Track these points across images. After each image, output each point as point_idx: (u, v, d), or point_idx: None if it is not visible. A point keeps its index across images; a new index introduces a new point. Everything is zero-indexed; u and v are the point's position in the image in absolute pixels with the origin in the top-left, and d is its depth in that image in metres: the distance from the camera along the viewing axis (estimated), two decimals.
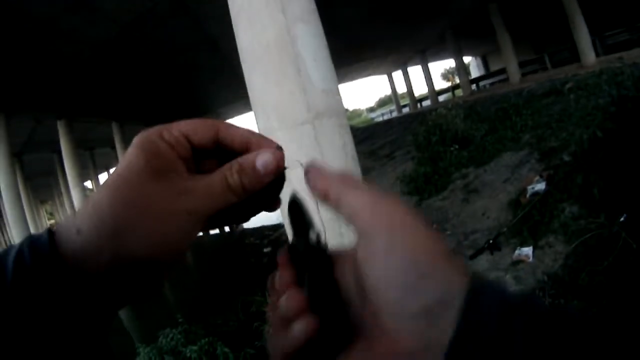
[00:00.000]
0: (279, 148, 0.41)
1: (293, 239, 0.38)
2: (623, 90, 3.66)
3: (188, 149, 0.38)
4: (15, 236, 14.22)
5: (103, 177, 45.67)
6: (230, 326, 4.47)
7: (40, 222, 37.50)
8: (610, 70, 7.96)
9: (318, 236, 0.38)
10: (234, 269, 9.20)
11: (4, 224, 23.87)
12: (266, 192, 0.40)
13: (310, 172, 0.40)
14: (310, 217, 0.39)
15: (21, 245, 0.32)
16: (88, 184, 33.71)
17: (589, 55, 15.79)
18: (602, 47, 17.66)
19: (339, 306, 0.34)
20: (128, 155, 0.35)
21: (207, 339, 3.72)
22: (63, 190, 28.72)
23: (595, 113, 4.97)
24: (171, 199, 0.34)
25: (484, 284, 0.28)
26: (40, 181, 36.10)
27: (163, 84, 19.66)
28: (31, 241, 0.32)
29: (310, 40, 3.55)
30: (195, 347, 3.58)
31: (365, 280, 0.32)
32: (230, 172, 0.37)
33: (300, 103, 3.43)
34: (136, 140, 0.37)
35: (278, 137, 3.51)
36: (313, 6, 3.74)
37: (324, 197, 0.37)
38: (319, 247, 0.37)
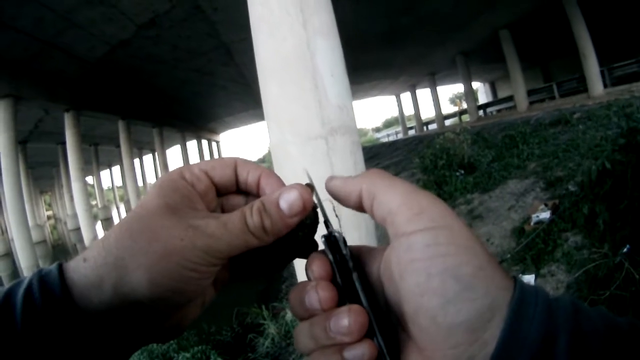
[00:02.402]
0: (309, 186, 0.38)
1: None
2: (632, 122, 3.66)
3: (209, 185, 0.38)
4: (12, 223, 14.15)
5: (105, 174, 45.82)
6: (224, 336, 4.43)
7: (39, 212, 37.36)
8: (620, 101, 7.98)
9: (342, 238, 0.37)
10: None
11: (3, 210, 23.81)
12: (297, 236, 0.36)
13: (335, 178, 0.39)
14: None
15: (31, 281, 0.31)
16: (89, 179, 33.75)
17: (597, 86, 15.86)
18: (610, 78, 17.72)
19: (375, 306, 0.32)
20: (147, 194, 0.35)
21: (200, 347, 3.69)
22: (64, 182, 28.73)
23: (603, 144, 4.98)
24: (179, 234, 0.32)
25: (529, 292, 0.28)
26: (41, 171, 36.20)
27: (173, 87, 19.80)
28: (41, 277, 0.31)
29: (328, 55, 3.57)
30: (187, 355, 3.55)
31: (399, 283, 0.31)
32: (250, 212, 0.34)
33: (315, 117, 3.44)
34: (158, 180, 0.37)
35: (290, 151, 3.55)
36: (333, 22, 3.77)
37: (356, 198, 0.36)
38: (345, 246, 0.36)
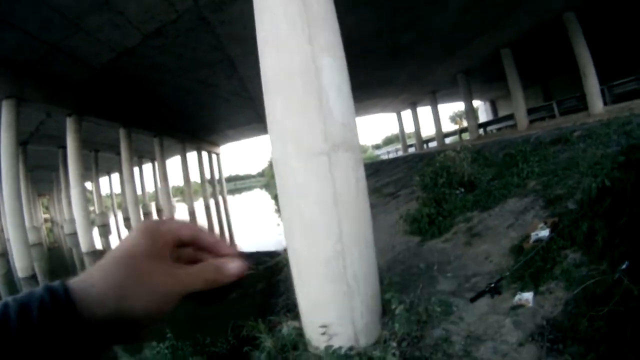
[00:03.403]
0: (241, 256, 0.54)
1: None
2: (632, 140, 3.71)
3: (176, 239, 0.51)
4: (9, 224, 14.16)
5: (104, 181, 45.76)
6: (219, 347, 4.41)
7: (36, 214, 37.25)
8: (619, 119, 8.01)
9: None
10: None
11: (1, 211, 23.79)
12: (228, 285, 0.52)
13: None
14: None
15: (41, 293, 0.41)
16: (88, 185, 33.73)
17: (598, 104, 15.94)
18: (610, 95, 17.81)
19: None
20: (133, 237, 0.47)
21: (195, 358, 3.68)
22: (63, 186, 28.61)
23: (603, 162, 5.00)
24: (162, 278, 0.46)
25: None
26: (41, 174, 36.15)
27: (176, 97, 19.86)
28: (50, 289, 0.41)
29: (334, 73, 3.63)
30: None
31: None
32: (208, 269, 0.50)
33: (319, 133, 3.49)
34: (140, 226, 0.49)
35: (293, 166, 3.59)
36: (339, 40, 3.83)
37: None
38: None
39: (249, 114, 23.23)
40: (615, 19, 17.49)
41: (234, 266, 0.52)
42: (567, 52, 16.71)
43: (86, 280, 0.43)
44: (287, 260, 4.38)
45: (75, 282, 0.43)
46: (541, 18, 16.12)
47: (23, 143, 21.25)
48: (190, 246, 0.53)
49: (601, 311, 2.86)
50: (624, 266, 3.09)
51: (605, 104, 16.57)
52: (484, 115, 41.08)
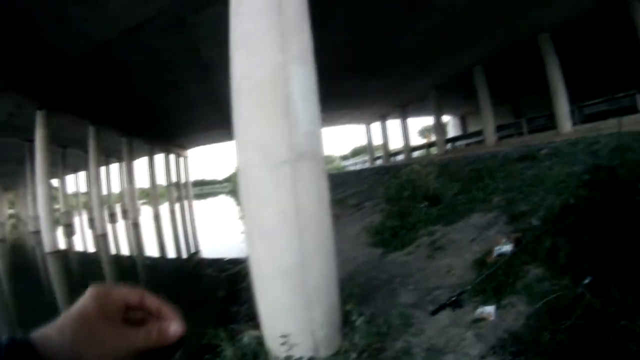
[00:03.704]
0: (182, 320, 0.58)
1: None
2: (597, 160, 3.78)
3: (126, 303, 0.56)
4: None
5: (70, 179, 44.62)
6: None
7: (1, 210, 36.23)
8: (587, 139, 8.19)
9: None
10: (188, 297, 8.98)
11: None
12: (168, 347, 0.56)
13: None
14: None
15: (7, 341, 0.44)
16: (55, 182, 32.88)
17: (566, 124, 16.38)
18: (580, 116, 18.33)
19: None
20: (86, 300, 0.52)
21: None
22: (29, 182, 27.87)
23: (568, 180, 5.10)
24: (112, 337, 0.51)
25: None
26: (7, 168, 35.12)
27: (147, 98, 19.61)
28: (14, 339, 0.45)
29: (303, 82, 3.62)
30: None
31: None
32: (153, 330, 0.55)
33: (284, 142, 3.47)
34: (92, 291, 0.53)
35: (256, 174, 3.56)
36: (311, 49, 3.82)
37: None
38: None
39: (218, 119, 22.98)
40: (588, 42, 18.07)
41: (175, 328, 0.56)
42: (539, 71, 17.17)
43: (46, 334, 0.47)
44: (249, 268, 4.33)
45: (36, 335, 0.47)
46: (516, 38, 16.53)
47: None
48: (137, 309, 0.58)
49: (563, 325, 2.89)
50: (587, 281, 3.14)
51: (574, 123, 17.09)
52: (453, 131, 41.78)
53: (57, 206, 32.54)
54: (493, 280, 4.25)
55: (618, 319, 2.68)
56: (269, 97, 3.51)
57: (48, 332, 0.48)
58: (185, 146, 42.97)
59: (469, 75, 20.19)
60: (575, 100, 17.50)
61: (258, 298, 3.89)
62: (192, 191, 53.85)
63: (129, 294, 0.57)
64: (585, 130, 11.92)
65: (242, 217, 4.05)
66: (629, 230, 3.22)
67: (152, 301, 0.59)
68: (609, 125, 8.75)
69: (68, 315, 0.51)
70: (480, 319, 3.73)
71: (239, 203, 3.93)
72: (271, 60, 3.53)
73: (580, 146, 7.82)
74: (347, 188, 16.32)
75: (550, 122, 18.42)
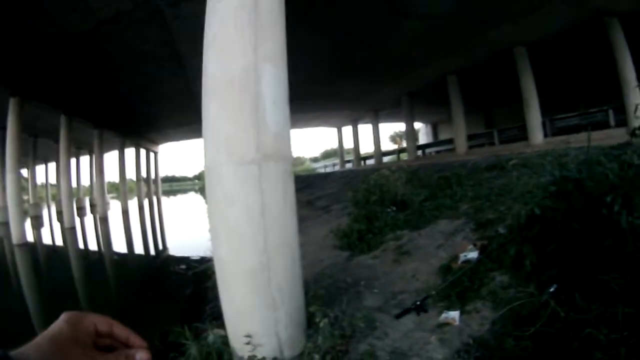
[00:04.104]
0: (148, 349, 0.61)
1: None
2: (565, 172, 3.85)
3: (96, 330, 0.59)
4: None
5: (40, 170, 43.44)
6: None
7: None
8: (556, 151, 8.35)
9: None
10: (154, 294, 8.87)
11: None
12: None
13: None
14: None
15: None
16: (24, 172, 32.06)
17: (538, 136, 16.75)
18: (551, 128, 18.72)
19: None
20: (60, 324, 0.56)
21: None
22: None
23: (535, 191, 5.18)
24: None
25: None
26: None
27: (120, 90, 19.29)
28: None
29: (273, 83, 3.61)
30: None
31: None
32: (120, 357, 0.58)
33: (251, 142, 3.46)
34: (66, 316, 0.57)
35: (222, 173, 3.54)
36: (284, 50, 3.82)
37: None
38: None
39: (190, 115, 22.69)
40: (565, 56, 18.44)
41: (141, 356, 0.60)
42: (513, 83, 17.49)
43: (24, 353, 0.50)
44: None
45: (14, 353, 0.49)
46: (492, 50, 16.75)
47: None
48: (106, 337, 0.61)
49: (528, 331, 2.94)
50: (552, 289, 3.20)
51: (545, 135, 17.44)
52: (424, 138, 42.32)
53: (25, 197, 31.72)
54: (458, 286, 4.30)
55: (583, 327, 2.73)
56: (238, 96, 3.49)
57: (26, 350, 0.51)
58: (156, 141, 42.35)
59: (443, 83, 20.43)
60: (548, 113, 17.87)
61: (222, 297, 3.86)
62: (161, 187, 53.09)
63: (100, 321, 0.60)
64: (556, 143, 12.17)
65: (208, 216, 4.01)
66: (593, 241, 3.29)
67: (121, 330, 0.62)
68: (579, 139, 8.93)
69: (44, 336, 0.54)
70: (444, 324, 3.77)
71: (207, 201, 3.88)
72: (243, 59, 3.52)
73: (549, 158, 7.94)
74: (316, 190, 16.35)
75: (521, 134, 18.78)
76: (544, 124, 17.71)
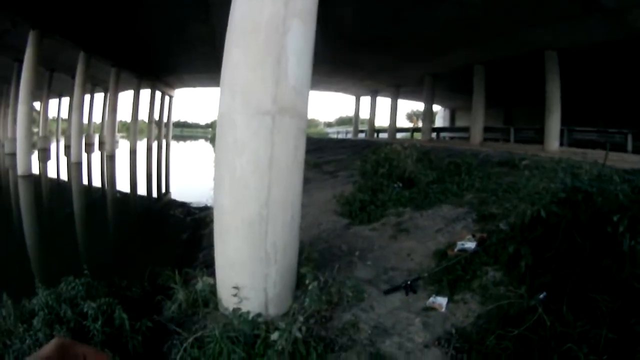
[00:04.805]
0: None
1: None
2: (577, 182, 3.80)
3: (80, 354, 0.59)
4: None
5: (53, 104, 43.49)
6: (133, 292, 4.27)
7: None
8: (571, 161, 8.27)
9: None
10: (151, 235, 8.95)
11: None
12: None
13: None
14: None
15: None
16: (37, 105, 32.12)
17: (554, 142, 16.47)
18: (568, 138, 18.47)
19: None
20: (49, 350, 0.56)
21: (107, 299, 3.55)
22: (11, 102, 27.07)
23: (544, 194, 5.12)
24: None
25: None
26: None
27: (144, 31, 19.15)
28: None
29: (299, 39, 3.54)
30: (93, 304, 3.39)
31: None
32: None
33: (269, 93, 3.42)
34: (57, 342, 0.58)
35: (235, 120, 3.51)
36: (315, 8, 3.73)
37: None
38: None
39: (209, 64, 22.65)
40: (593, 70, 18.06)
41: None
42: (538, 85, 17.12)
43: None
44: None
45: None
46: (523, 48, 16.39)
47: None
48: None
49: (511, 333, 2.93)
50: (541, 296, 3.18)
51: (561, 144, 17.16)
52: (440, 121, 41.87)
53: (35, 130, 31.87)
54: (451, 273, 4.29)
55: (565, 340, 2.73)
56: (262, 46, 3.42)
57: None
58: (173, 85, 42.11)
59: (469, 71, 20.10)
60: (566, 122, 17.60)
61: (216, 246, 3.88)
62: (172, 131, 53.14)
63: (91, 353, 0.61)
64: (570, 153, 12.05)
65: (214, 163, 3.99)
66: (592, 257, 3.27)
67: (97, 354, 0.63)
68: (594, 155, 8.82)
69: (33, 357, 0.55)
70: (430, 309, 3.79)
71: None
72: (272, 7, 3.44)
73: (563, 165, 7.87)
74: (325, 154, 16.34)
75: (538, 137, 18.48)
76: (562, 132, 17.43)
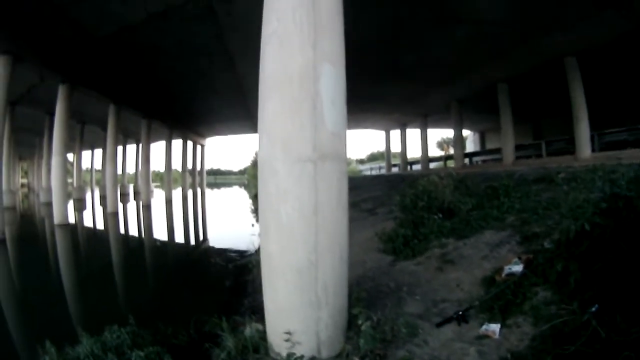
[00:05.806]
0: None
1: None
2: (616, 188, 3.73)
3: None
4: None
5: (86, 155, 45.11)
6: (180, 340, 4.30)
7: (14, 178, 36.70)
8: (605, 166, 8.08)
9: None
10: (194, 283, 9.02)
11: None
12: None
13: None
14: None
15: None
16: (70, 156, 33.28)
17: (586, 150, 16.20)
18: (599, 142, 18.10)
19: None
20: None
21: (155, 348, 3.60)
22: (45, 154, 28.20)
23: (585, 206, 5.01)
24: None
25: None
26: (25, 137, 35.34)
27: (170, 82, 19.81)
28: None
29: (332, 81, 3.62)
30: (141, 353, 3.45)
31: None
32: None
33: (308, 140, 3.48)
34: None
35: (277, 169, 3.57)
36: (342, 48, 3.82)
37: None
38: None
39: (239, 110, 23.24)
40: (613, 68, 17.83)
41: None
42: (563, 94, 16.98)
43: None
44: (257, 261, 4.33)
45: None
46: (542, 59, 16.37)
47: (12, 103, 20.88)
48: None
49: (567, 350, 2.87)
50: (593, 309, 3.11)
51: (593, 150, 16.84)
52: (471, 146, 41.57)
53: (70, 180, 32.93)
54: (500, 299, 4.21)
55: (622, 349, 2.67)
56: (296, 93, 3.51)
57: None
58: (203, 134, 43.28)
59: (493, 91, 20.07)
60: (594, 126, 17.29)
61: (265, 292, 3.89)
62: (206, 179, 54.18)
63: None
64: (603, 158, 11.78)
65: (254, 210, 4.04)
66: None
67: None
68: (628, 155, 8.58)
69: None
70: (484, 336, 3.72)
71: (252, 196, 3.90)
72: (302, 56, 3.53)
73: (599, 173, 7.69)
74: (362, 192, 16.30)
75: (569, 147, 18.20)
76: (592, 138, 17.12)
